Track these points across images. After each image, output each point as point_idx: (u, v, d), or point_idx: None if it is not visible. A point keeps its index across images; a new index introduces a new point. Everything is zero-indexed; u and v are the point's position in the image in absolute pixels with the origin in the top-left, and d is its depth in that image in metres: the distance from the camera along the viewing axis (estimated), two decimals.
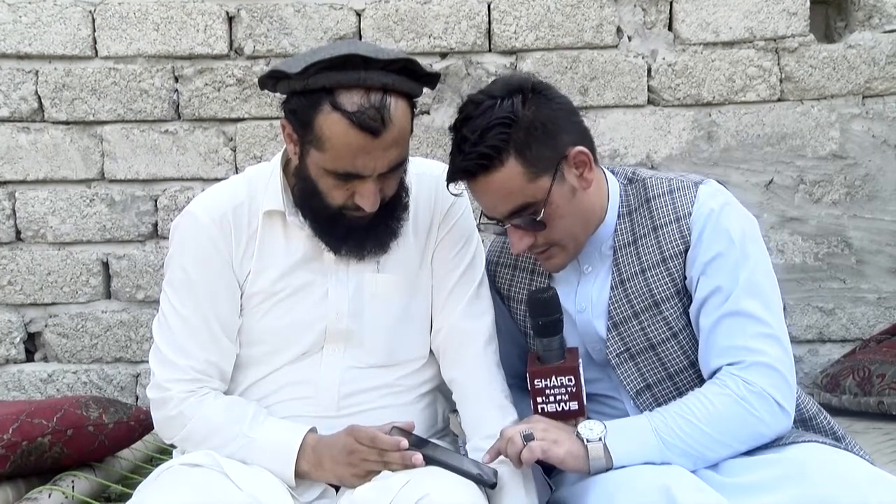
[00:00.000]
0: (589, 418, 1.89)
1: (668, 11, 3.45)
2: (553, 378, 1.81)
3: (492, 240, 2.21)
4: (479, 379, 1.97)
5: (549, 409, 1.81)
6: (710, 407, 1.74)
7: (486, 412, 1.94)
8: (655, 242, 1.90)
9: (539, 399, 1.82)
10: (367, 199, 1.79)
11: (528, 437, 1.70)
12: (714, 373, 1.81)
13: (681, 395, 1.86)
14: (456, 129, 1.85)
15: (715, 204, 1.86)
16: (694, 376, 1.89)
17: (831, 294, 3.51)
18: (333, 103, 1.72)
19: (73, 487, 2.37)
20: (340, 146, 1.73)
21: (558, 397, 1.81)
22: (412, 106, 1.83)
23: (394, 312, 1.96)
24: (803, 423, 1.95)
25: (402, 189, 1.91)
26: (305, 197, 1.86)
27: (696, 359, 1.88)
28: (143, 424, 2.66)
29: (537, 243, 1.88)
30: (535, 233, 1.85)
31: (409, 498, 1.66)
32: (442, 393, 2.08)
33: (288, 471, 1.82)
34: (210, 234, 1.91)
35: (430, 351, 2.04)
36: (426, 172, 2.05)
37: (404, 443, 1.73)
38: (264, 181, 1.95)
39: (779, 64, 3.45)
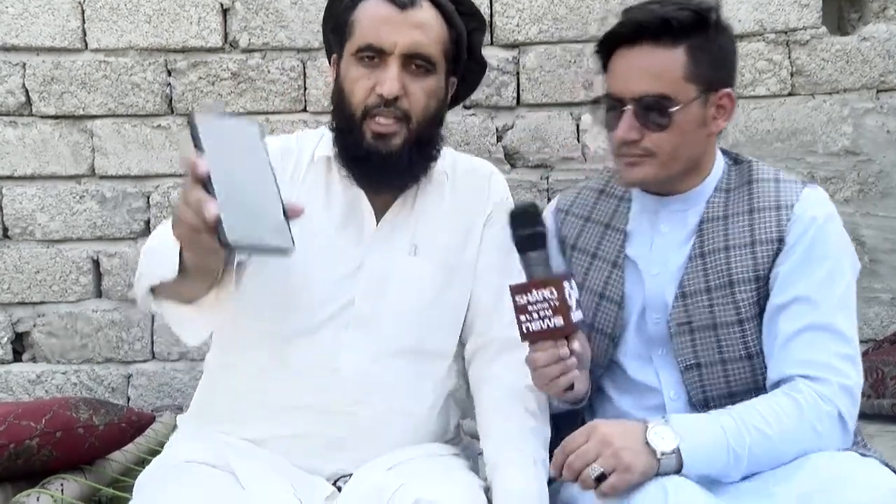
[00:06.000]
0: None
1: None
2: (533, 292, 1.71)
3: (560, 193, 2.17)
4: (512, 390, 1.92)
5: (534, 328, 1.72)
6: (784, 419, 1.69)
7: (510, 436, 1.88)
8: (748, 224, 1.87)
9: (523, 318, 1.73)
10: (386, 83, 1.83)
11: (599, 478, 1.58)
12: (785, 380, 1.77)
13: (728, 384, 1.86)
14: None
15: (823, 211, 1.86)
16: (747, 369, 1.85)
17: None
18: None
19: (62, 490, 2.35)
20: (367, 19, 1.87)
21: (542, 313, 1.72)
22: (448, 23, 1.91)
23: (425, 298, 1.93)
24: None
25: (435, 129, 1.94)
26: (337, 110, 1.93)
27: (755, 352, 1.85)
28: (134, 426, 2.63)
29: (639, 143, 1.83)
30: (648, 131, 1.82)
31: (403, 500, 1.65)
32: (455, 400, 2.05)
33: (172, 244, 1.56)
34: None
35: (454, 354, 2.01)
36: (478, 169, 2.08)
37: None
38: (314, 139, 2.01)
39: (790, 57, 3.43)
